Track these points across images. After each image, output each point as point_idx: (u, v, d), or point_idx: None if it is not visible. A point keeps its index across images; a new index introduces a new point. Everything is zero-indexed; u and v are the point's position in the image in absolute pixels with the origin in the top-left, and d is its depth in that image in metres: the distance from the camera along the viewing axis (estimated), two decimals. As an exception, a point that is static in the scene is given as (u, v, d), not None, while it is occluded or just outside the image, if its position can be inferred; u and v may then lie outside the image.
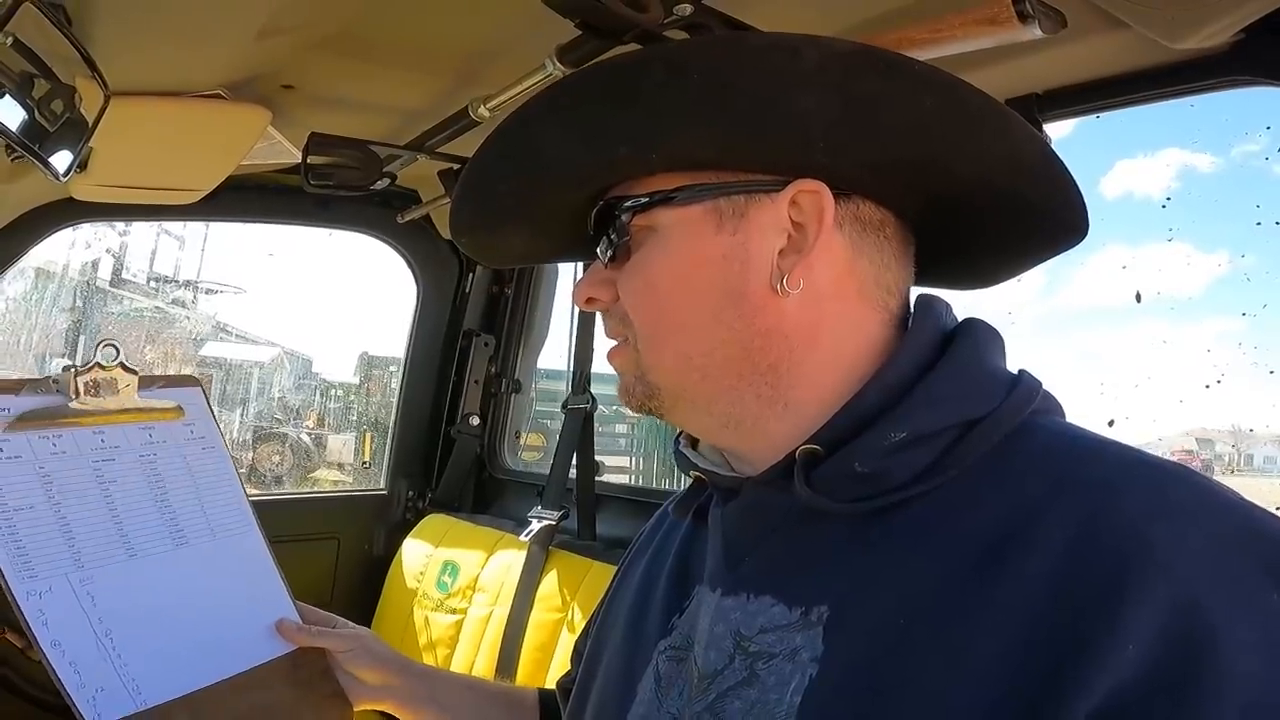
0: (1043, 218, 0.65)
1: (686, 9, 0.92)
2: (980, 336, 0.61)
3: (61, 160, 1.16)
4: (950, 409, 0.57)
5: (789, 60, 0.56)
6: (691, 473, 0.71)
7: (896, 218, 0.64)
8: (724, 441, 0.67)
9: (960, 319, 0.64)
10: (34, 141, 1.15)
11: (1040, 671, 0.46)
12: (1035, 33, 0.88)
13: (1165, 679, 0.44)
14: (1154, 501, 0.49)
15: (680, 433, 0.74)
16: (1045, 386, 0.60)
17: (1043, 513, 0.50)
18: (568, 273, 2.27)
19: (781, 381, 0.61)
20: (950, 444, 0.56)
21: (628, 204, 0.63)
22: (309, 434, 6.72)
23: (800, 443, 0.59)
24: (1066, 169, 0.63)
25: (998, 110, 0.61)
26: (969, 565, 0.51)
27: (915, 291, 0.67)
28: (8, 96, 1.14)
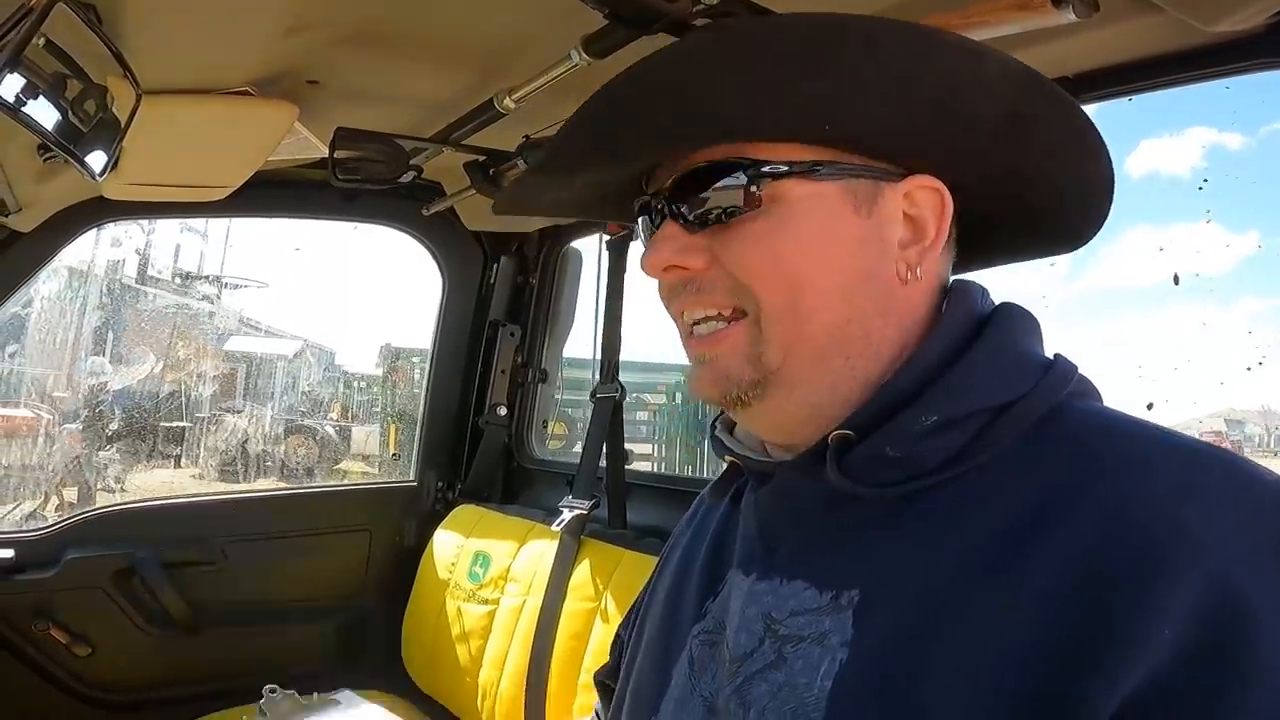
0: (1065, 230, 0.69)
1: (714, -2, 0.92)
2: (1015, 321, 0.62)
3: (97, 160, 1.17)
4: (982, 394, 0.57)
5: (974, 63, 0.58)
6: (726, 458, 0.71)
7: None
8: (787, 436, 0.65)
9: (997, 303, 0.64)
10: (69, 142, 1.17)
11: (1072, 655, 0.46)
12: (1069, 17, 0.87)
13: (1201, 661, 0.44)
14: (1187, 483, 0.49)
15: (717, 417, 0.73)
16: (1080, 371, 0.60)
17: (1075, 496, 0.50)
18: (591, 262, 2.27)
19: (869, 365, 0.61)
20: (982, 428, 0.57)
21: (765, 168, 0.59)
22: (334, 426, 6.80)
23: (836, 426, 0.60)
24: (1111, 196, 0.66)
25: (1099, 137, 0.63)
26: (1000, 549, 0.51)
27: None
28: (42, 98, 1.15)
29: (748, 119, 0.59)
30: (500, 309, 2.27)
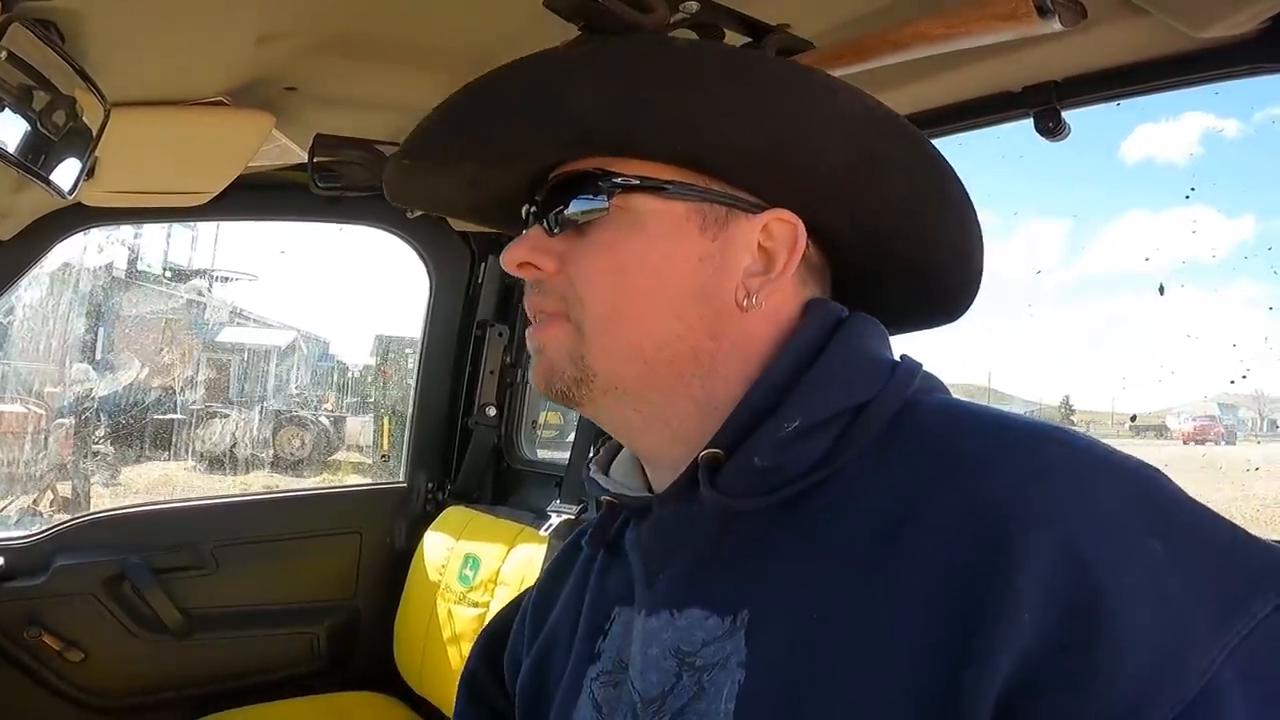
0: (942, 292, 0.71)
1: (693, 6, 0.89)
2: (861, 328, 0.63)
3: (66, 176, 1.15)
4: (835, 395, 0.58)
5: (828, 99, 0.60)
6: (603, 498, 0.70)
7: (830, 262, 0.68)
8: (642, 442, 0.67)
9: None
10: (38, 155, 1.15)
11: (951, 649, 0.47)
12: (1054, 26, 0.85)
13: (1065, 642, 0.45)
14: (1028, 465, 0.51)
15: (591, 458, 0.74)
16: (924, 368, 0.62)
17: (930, 492, 0.52)
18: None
19: (714, 386, 0.62)
20: (841, 432, 0.58)
21: (618, 180, 0.62)
22: (328, 417, 6.80)
23: (701, 449, 0.60)
24: (982, 261, 0.69)
25: (968, 202, 0.66)
26: (870, 551, 0.53)
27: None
28: (7, 110, 1.13)
29: (604, 131, 0.61)
30: (489, 309, 2.25)
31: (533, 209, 0.66)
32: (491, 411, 2.22)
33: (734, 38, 0.92)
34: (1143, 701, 0.43)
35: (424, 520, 2.18)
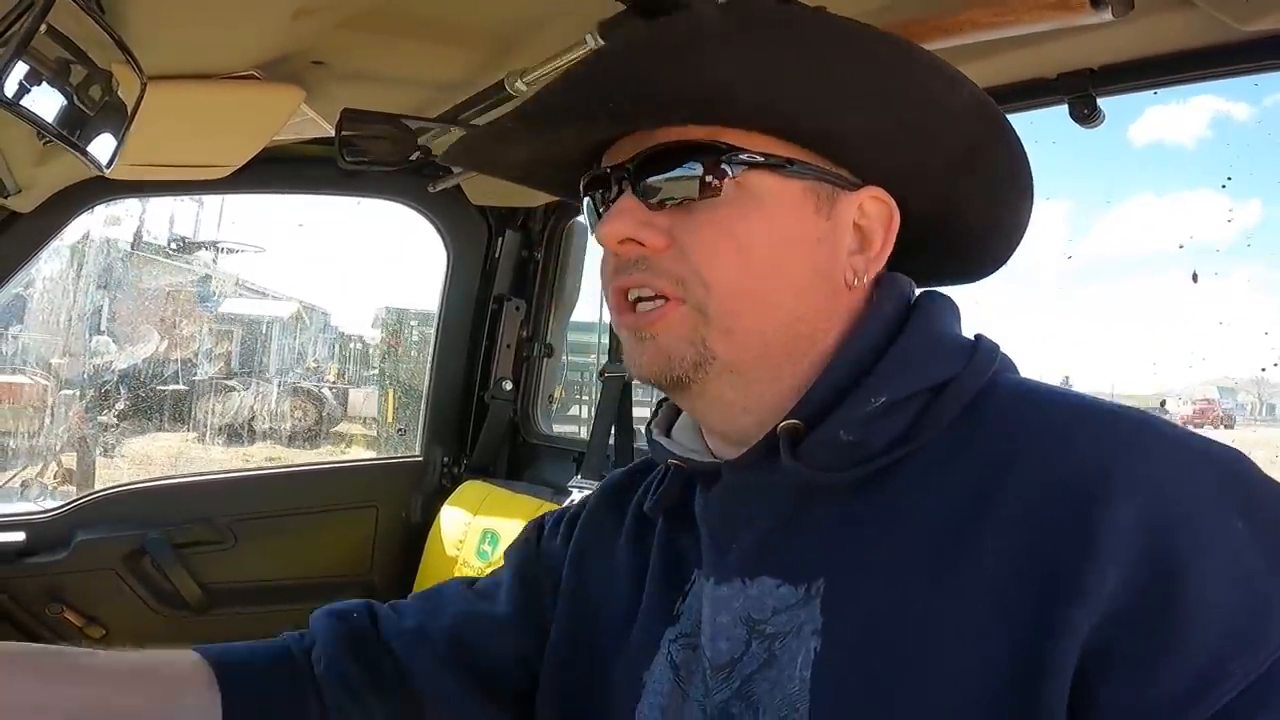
0: (977, 260, 0.73)
1: (737, -14, 0.90)
2: (939, 306, 0.65)
3: (103, 147, 1.15)
4: (919, 374, 0.59)
5: (948, 88, 0.61)
6: (670, 461, 0.70)
7: None
8: (727, 425, 0.65)
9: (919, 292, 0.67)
10: (74, 128, 1.14)
11: (1033, 621, 0.48)
12: (1105, 16, 0.86)
13: (1142, 612, 0.46)
14: (1110, 439, 0.52)
15: (652, 421, 0.74)
16: (1003, 347, 0.63)
17: (1010, 465, 0.53)
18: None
19: (810, 363, 0.63)
20: (922, 409, 0.59)
21: (743, 155, 0.60)
22: (330, 388, 6.80)
23: (781, 418, 0.61)
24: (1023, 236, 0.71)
25: (1031, 178, 0.68)
26: (951, 526, 0.54)
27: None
28: (45, 84, 1.13)
29: (739, 100, 0.59)
30: (505, 283, 2.25)
31: (621, 177, 0.63)
32: (508, 386, 2.24)
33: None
34: (1214, 671, 0.45)
35: (440, 495, 2.20)
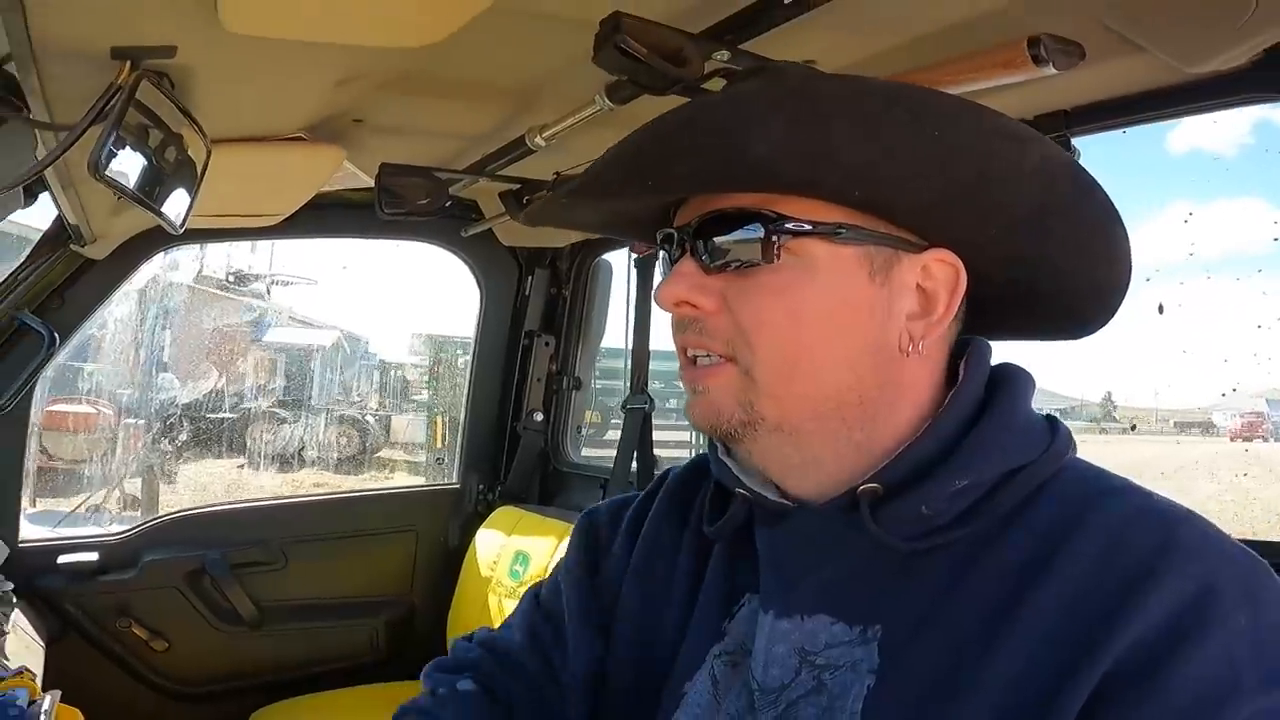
0: (1070, 319, 0.71)
1: (724, 54, 1.00)
2: (1019, 385, 0.66)
3: (177, 206, 1.29)
4: (1002, 459, 0.61)
5: (1016, 151, 0.60)
6: (738, 490, 0.71)
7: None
8: (789, 477, 0.68)
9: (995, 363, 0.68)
10: (153, 187, 1.29)
11: (1065, 667, 0.54)
12: (1050, 71, 0.94)
13: (1146, 665, 0.52)
14: (1160, 538, 0.56)
15: (718, 445, 0.73)
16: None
17: (1067, 547, 0.57)
18: (620, 275, 2.37)
19: (876, 430, 0.64)
20: (991, 489, 0.62)
21: (790, 225, 0.60)
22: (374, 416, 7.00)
23: (859, 480, 0.63)
24: (1124, 294, 0.68)
25: (1126, 242, 0.66)
26: (1006, 592, 0.58)
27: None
28: (129, 149, 1.28)
29: (787, 174, 0.59)
30: (535, 320, 2.38)
31: (683, 239, 0.65)
32: (539, 417, 2.35)
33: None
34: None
35: (476, 519, 2.31)
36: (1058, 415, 0.69)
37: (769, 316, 0.61)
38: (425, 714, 0.79)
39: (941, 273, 0.63)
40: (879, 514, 0.62)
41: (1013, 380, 0.65)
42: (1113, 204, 0.64)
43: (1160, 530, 0.56)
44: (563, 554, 2.12)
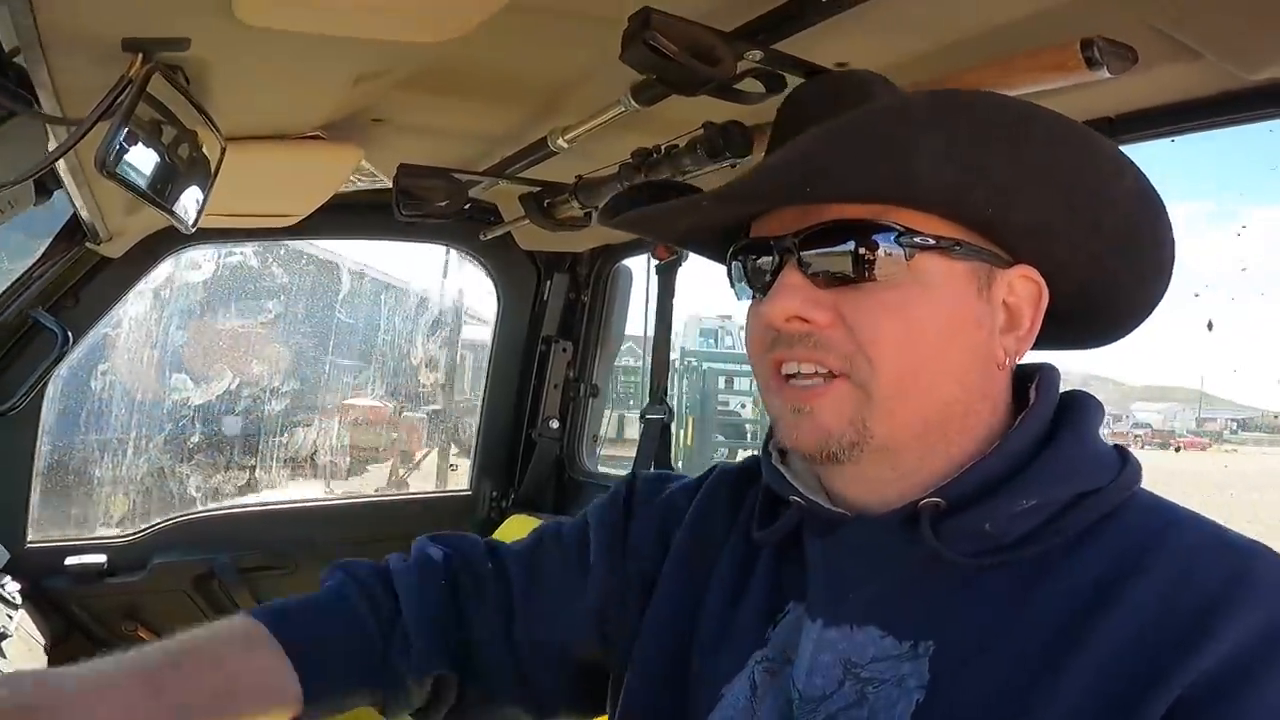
0: (1107, 329, 0.72)
1: (757, 55, 0.97)
2: (1090, 412, 0.66)
3: (189, 205, 1.26)
4: (1072, 483, 0.61)
5: (1117, 175, 0.61)
6: (791, 498, 0.70)
7: None
8: (864, 492, 0.67)
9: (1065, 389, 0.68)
10: (166, 185, 1.26)
11: (1133, 698, 0.53)
12: (1103, 75, 0.89)
13: (1221, 698, 0.51)
14: (1233, 569, 0.55)
15: (769, 443, 0.74)
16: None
17: (1135, 577, 0.56)
18: (640, 279, 2.33)
19: (966, 443, 0.64)
20: (1058, 511, 0.61)
21: (917, 238, 0.60)
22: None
23: (922, 494, 0.63)
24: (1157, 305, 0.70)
25: (1173, 255, 0.67)
26: (1070, 618, 0.57)
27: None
28: (140, 144, 1.25)
29: (934, 190, 0.59)
30: (553, 325, 2.35)
31: (787, 248, 0.63)
32: (555, 424, 2.31)
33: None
34: None
35: (489, 527, 2.28)
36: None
37: (890, 331, 0.61)
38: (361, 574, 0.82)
39: (1025, 289, 0.64)
40: (939, 528, 0.62)
41: (1084, 407, 0.66)
42: (1172, 230, 0.65)
43: (1233, 561, 0.56)
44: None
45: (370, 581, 0.82)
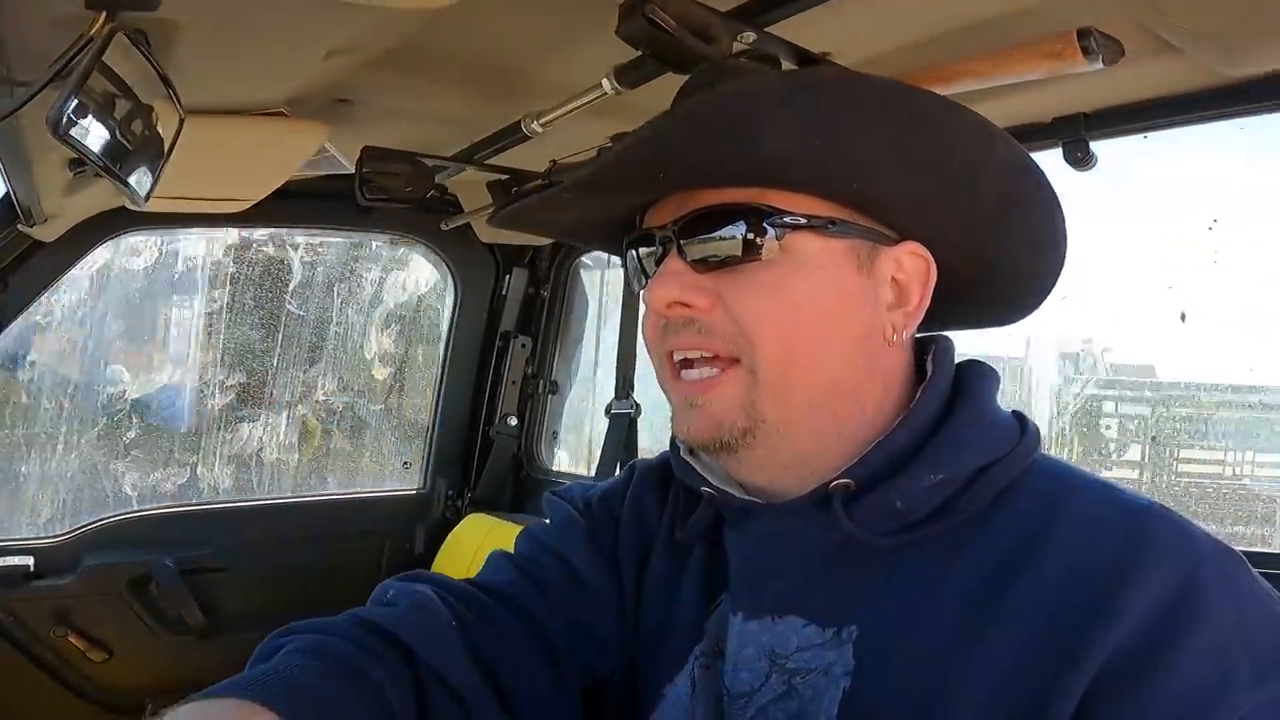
0: (1008, 306, 0.74)
1: (751, 36, 0.96)
2: (987, 381, 0.67)
3: (141, 180, 1.19)
4: (975, 454, 0.62)
5: (988, 145, 0.62)
6: (704, 489, 0.70)
7: None
8: (768, 479, 0.67)
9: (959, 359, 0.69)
10: (115, 162, 1.19)
11: (1052, 664, 0.53)
12: (1097, 65, 0.91)
13: (1139, 664, 0.52)
14: (1133, 535, 0.56)
15: (680, 443, 0.73)
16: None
17: (1043, 543, 0.57)
18: (599, 274, 2.31)
19: (862, 422, 0.65)
20: (966, 483, 0.62)
21: (788, 218, 0.61)
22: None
23: (830, 477, 0.63)
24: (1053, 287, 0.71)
25: (1065, 227, 0.68)
26: (984, 588, 0.58)
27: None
28: (91, 117, 1.18)
29: (793, 167, 0.60)
30: (511, 320, 2.30)
31: (667, 237, 0.64)
32: (513, 421, 2.27)
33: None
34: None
35: (444, 527, 2.22)
36: None
37: (768, 311, 0.61)
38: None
39: (913, 265, 0.65)
40: (851, 509, 0.62)
41: (980, 376, 0.67)
42: (1055, 197, 0.66)
43: (1129, 523, 0.57)
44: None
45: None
